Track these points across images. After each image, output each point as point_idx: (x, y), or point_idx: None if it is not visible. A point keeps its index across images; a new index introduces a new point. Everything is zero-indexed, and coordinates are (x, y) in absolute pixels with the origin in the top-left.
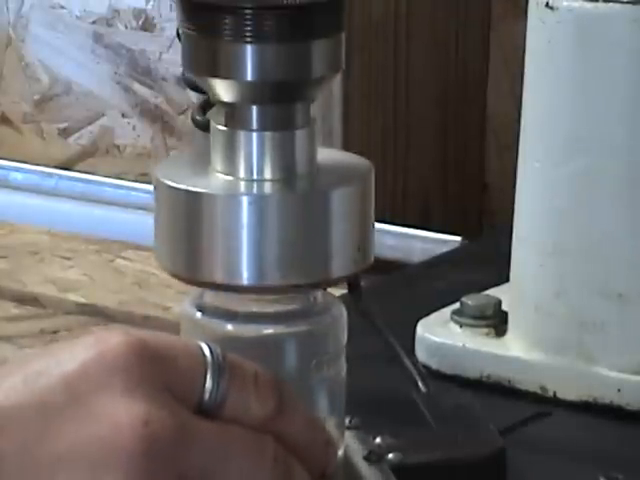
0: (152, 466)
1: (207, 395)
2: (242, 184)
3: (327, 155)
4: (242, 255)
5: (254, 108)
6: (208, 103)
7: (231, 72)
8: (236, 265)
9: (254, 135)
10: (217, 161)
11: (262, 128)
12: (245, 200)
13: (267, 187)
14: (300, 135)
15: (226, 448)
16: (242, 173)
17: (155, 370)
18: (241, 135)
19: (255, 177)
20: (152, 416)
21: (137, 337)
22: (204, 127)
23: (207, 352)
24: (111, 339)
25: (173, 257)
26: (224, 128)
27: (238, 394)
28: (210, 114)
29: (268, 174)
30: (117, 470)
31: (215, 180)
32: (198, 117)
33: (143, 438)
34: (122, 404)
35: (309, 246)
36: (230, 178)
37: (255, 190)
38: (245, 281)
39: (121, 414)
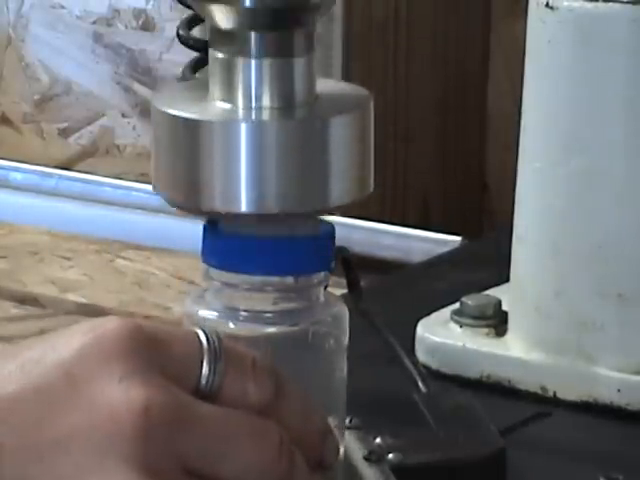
0: (153, 450)
1: (204, 381)
2: (240, 111)
3: (326, 84)
4: (241, 182)
5: (252, 35)
6: (194, 19)
7: None
8: (235, 193)
9: (253, 62)
10: (215, 89)
11: (261, 55)
12: (244, 127)
13: (266, 114)
14: (299, 63)
15: (229, 430)
16: (240, 101)
17: (152, 355)
18: (239, 62)
19: (254, 105)
20: (151, 401)
21: (133, 322)
22: (189, 44)
23: (203, 338)
24: (107, 324)
25: (172, 186)
26: (222, 55)
27: (235, 380)
28: (209, 42)
29: (267, 101)
30: (118, 456)
31: (213, 108)
32: (183, 32)
33: (143, 424)
34: (120, 390)
35: (308, 174)
36: (228, 106)
37: (254, 117)
38: (244, 208)
39: (120, 400)
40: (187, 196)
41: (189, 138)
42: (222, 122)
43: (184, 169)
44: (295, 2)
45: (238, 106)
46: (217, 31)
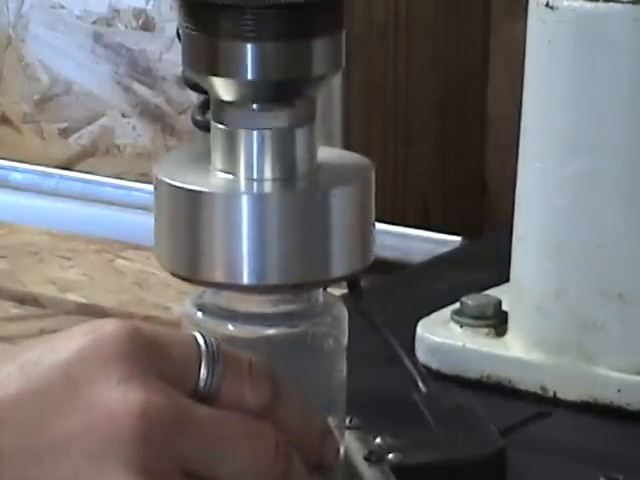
0: (151, 453)
1: (202, 384)
2: (242, 183)
3: (327, 154)
4: (242, 254)
5: (254, 107)
6: (208, 103)
7: (231, 71)
8: (236, 264)
9: (254, 134)
10: (217, 160)
11: (262, 127)
12: (245, 199)
13: (267, 186)
14: (300, 134)
15: (226, 432)
16: (242, 172)
17: (150, 358)
18: (241, 134)
19: (255, 176)
20: (149, 404)
21: (132, 325)
22: (204, 127)
23: (201, 342)
24: (107, 326)
25: (173, 256)
26: (224, 127)
27: (232, 383)
28: (210, 112)
29: (268, 173)
30: (116, 459)
31: (215, 179)
32: (198, 117)
33: (141, 427)
34: (119, 393)
35: (309, 245)
36: (230, 177)
37: (255, 189)
38: (245, 280)
39: (118, 403)
40: (188, 267)
41: (190, 209)
42: (223, 194)
43: (185, 240)
44: (297, 75)
45: (240, 177)
46: (219, 102)
